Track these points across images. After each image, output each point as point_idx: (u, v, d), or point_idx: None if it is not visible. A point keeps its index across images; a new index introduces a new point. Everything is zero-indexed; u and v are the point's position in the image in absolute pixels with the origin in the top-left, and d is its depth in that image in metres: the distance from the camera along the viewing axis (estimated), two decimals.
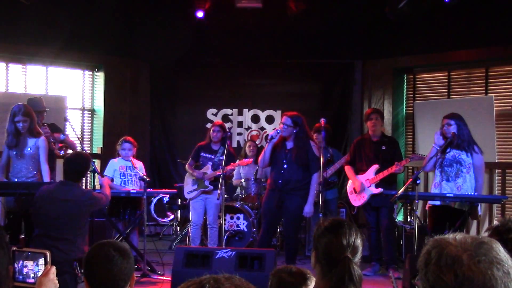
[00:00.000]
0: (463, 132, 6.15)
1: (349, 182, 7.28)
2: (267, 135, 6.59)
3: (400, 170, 6.88)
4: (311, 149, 6.55)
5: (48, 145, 6.53)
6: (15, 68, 8.87)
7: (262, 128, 10.03)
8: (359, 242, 2.52)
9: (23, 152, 6.30)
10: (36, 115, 6.90)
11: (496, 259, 1.42)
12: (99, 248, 2.58)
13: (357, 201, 7.10)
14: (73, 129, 7.34)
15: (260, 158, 6.69)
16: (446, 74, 9.03)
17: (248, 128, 10.06)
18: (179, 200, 8.83)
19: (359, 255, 2.51)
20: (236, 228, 7.97)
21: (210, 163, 7.47)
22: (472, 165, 6.16)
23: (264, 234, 6.62)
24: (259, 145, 9.19)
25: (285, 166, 6.52)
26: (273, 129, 6.64)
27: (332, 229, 2.52)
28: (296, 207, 6.49)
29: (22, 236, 6.48)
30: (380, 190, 6.85)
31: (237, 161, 7.53)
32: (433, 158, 6.22)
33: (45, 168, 6.36)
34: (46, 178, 6.34)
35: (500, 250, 1.46)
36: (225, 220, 7.38)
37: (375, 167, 6.95)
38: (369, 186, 6.94)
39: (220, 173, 6.74)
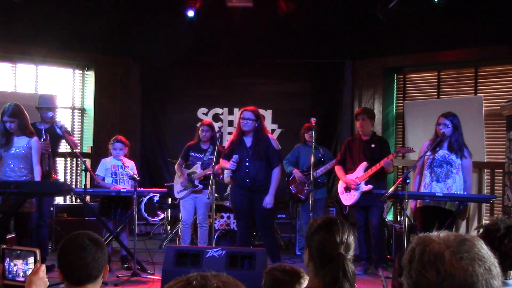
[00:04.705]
0: (458, 136, 6.17)
1: (340, 182, 7.30)
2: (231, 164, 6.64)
3: (389, 165, 6.85)
4: (271, 143, 6.64)
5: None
6: (5, 67, 8.82)
7: None
8: (351, 239, 2.54)
9: (13, 151, 6.27)
10: (45, 112, 6.90)
11: (478, 255, 1.44)
12: (73, 238, 2.57)
13: (347, 200, 7.12)
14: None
15: (220, 166, 6.84)
16: (436, 74, 9.07)
17: None
18: (170, 199, 8.81)
19: (351, 252, 2.53)
20: (226, 227, 7.97)
21: (200, 162, 7.45)
22: (461, 166, 6.19)
23: (243, 232, 6.73)
24: None
25: (247, 164, 6.58)
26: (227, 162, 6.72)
27: (325, 227, 2.54)
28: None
29: (12, 235, 6.47)
30: (370, 187, 6.88)
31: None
32: (421, 159, 6.27)
33: (37, 168, 6.32)
34: (38, 178, 6.31)
35: (482, 247, 1.47)
36: (215, 219, 7.38)
37: (363, 164, 6.97)
38: (359, 184, 6.97)
39: (210, 172, 6.73)
